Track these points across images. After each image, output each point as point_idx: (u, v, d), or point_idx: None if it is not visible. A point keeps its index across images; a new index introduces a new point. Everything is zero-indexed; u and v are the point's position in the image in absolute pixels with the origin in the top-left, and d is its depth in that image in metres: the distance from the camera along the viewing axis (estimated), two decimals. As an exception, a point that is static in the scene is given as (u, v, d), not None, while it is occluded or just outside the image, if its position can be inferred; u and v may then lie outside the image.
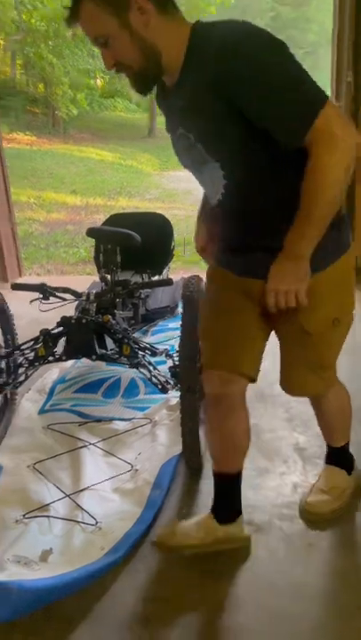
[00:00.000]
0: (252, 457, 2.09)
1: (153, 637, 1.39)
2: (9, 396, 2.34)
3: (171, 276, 2.99)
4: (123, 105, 22.86)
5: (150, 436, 2.22)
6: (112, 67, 1.25)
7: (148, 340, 2.88)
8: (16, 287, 2.31)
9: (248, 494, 1.89)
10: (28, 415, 2.38)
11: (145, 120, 19.75)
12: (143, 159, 14.69)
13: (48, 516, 1.75)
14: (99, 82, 19.22)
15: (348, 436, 1.80)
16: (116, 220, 3.20)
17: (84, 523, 1.72)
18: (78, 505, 1.80)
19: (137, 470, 2.00)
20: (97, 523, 1.72)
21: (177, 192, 10.37)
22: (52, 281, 2.36)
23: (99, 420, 2.33)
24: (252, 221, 1.37)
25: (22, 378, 2.27)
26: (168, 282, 2.30)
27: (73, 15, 1.20)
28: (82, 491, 1.87)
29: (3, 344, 2.28)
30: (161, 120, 20.27)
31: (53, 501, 1.81)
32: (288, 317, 1.40)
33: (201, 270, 4.86)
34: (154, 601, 1.48)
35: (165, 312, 3.01)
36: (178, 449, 2.03)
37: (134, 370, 2.41)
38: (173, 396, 2.39)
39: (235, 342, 1.48)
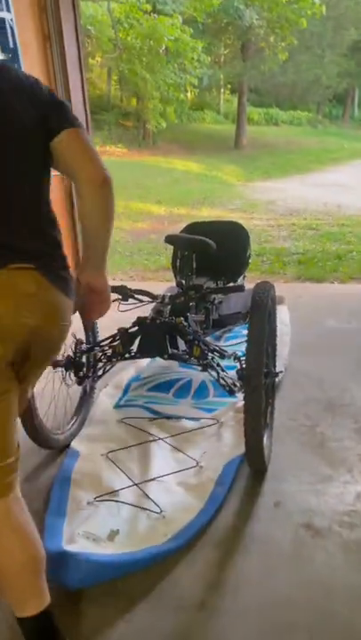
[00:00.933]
0: (317, 464, 2.12)
1: (207, 621, 1.46)
2: (88, 389, 2.51)
3: (246, 285, 3.06)
4: (211, 117, 23.24)
5: (216, 437, 2.30)
6: None
7: (222, 345, 2.96)
8: (98, 288, 2.48)
9: (310, 499, 1.92)
10: (105, 408, 2.55)
11: (232, 132, 19.94)
12: (228, 170, 14.83)
13: (117, 501, 1.88)
14: (188, 95, 19.70)
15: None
16: (194, 227, 3.31)
17: (149, 510, 1.84)
18: (145, 494, 1.92)
19: (202, 467, 2.09)
20: (161, 511, 1.83)
21: (259, 202, 10.38)
22: (133, 285, 2.52)
23: (169, 418, 2.44)
24: None
25: (100, 372, 2.44)
26: (240, 288, 2.37)
27: None
28: (149, 481, 1.99)
29: (84, 340, 2.45)
30: (251, 129, 20.41)
31: (122, 488, 1.94)
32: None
33: (278, 279, 4.90)
34: (210, 587, 1.56)
35: (237, 318, 3.07)
36: (241, 450, 2.09)
37: (205, 373, 2.51)
38: (241, 400, 2.46)
39: None
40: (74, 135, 1.35)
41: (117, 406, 2.58)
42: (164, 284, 4.46)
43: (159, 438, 2.27)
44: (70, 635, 1.42)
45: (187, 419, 2.44)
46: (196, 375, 2.77)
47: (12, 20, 3.46)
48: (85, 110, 4.31)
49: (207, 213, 9.50)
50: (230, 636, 1.41)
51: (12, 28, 3.45)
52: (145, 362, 2.98)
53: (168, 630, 1.44)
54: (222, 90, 24.46)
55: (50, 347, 1.37)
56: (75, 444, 2.26)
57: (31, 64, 3.76)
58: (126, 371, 2.90)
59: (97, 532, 1.71)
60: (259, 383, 1.84)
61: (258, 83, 21.94)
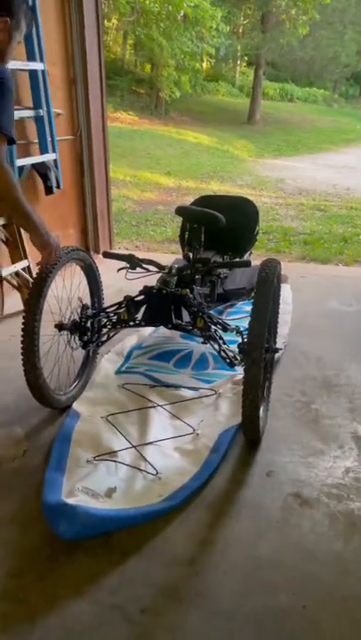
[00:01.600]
0: (309, 439, 2.19)
1: (196, 575, 1.54)
2: (91, 354, 2.56)
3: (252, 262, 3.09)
4: (225, 89, 22.80)
5: (213, 407, 2.36)
6: None
7: (224, 319, 3.01)
8: (107, 255, 2.52)
9: (300, 470, 2.00)
10: (106, 373, 2.60)
11: (246, 105, 19.60)
12: (239, 145, 14.65)
13: (115, 461, 1.95)
14: (204, 65, 19.28)
15: None
16: (204, 200, 3.33)
17: (145, 472, 1.91)
18: (142, 456, 1.99)
19: (198, 434, 2.16)
20: (157, 473, 1.90)
21: (269, 180, 10.30)
22: (138, 256, 2.55)
23: (168, 386, 2.50)
24: None
25: (104, 338, 2.49)
26: (246, 263, 2.41)
27: None
28: (147, 444, 2.06)
29: (90, 305, 2.50)
30: (265, 104, 20.05)
31: (121, 450, 2.01)
32: None
33: (283, 258, 4.91)
34: (201, 545, 1.64)
35: (241, 294, 3.11)
36: (237, 420, 2.16)
37: (205, 346, 2.56)
38: (239, 373, 2.51)
39: None
40: None
41: (118, 372, 2.63)
42: (169, 256, 4.48)
43: (158, 405, 2.34)
44: (64, 584, 1.50)
45: (185, 388, 2.50)
46: (197, 347, 2.83)
47: (32, -23, 3.38)
48: (100, 73, 4.27)
49: (216, 188, 9.44)
50: (217, 591, 1.49)
51: (31, -12, 3.39)
52: (147, 331, 3.03)
53: (159, 582, 1.52)
54: (239, 62, 23.93)
55: None
56: (76, 405, 2.32)
57: (48, 25, 3.71)
58: (129, 338, 2.95)
59: (95, 488, 1.78)
60: (259, 357, 1.89)
61: (276, 56, 21.46)
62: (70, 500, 1.66)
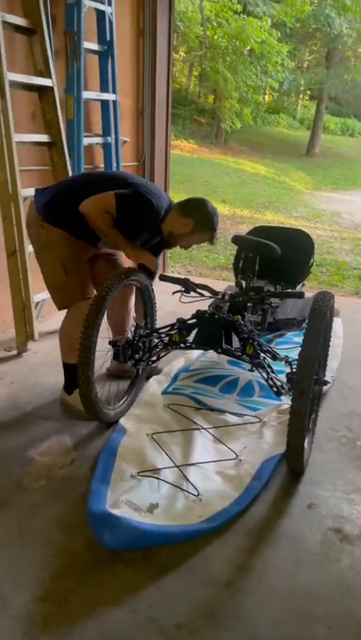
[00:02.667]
0: (353, 475, 2.17)
1: (231, 599, 1.55)
2: (140, 372, 2.64)
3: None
4: (286, 121, 23.03)
5: (257, 434, 2.37)
6: None
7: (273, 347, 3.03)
8: (163, 278, 2.61)
9: (342, 505, 1.98)
10: (153, 392, 2.67)
11: (306, 138, 19.71)
12: (296, 177, 14.72)
13: (158, 478, 2.00)
14: (267, 98, 19.60)
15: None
16: (260, 231, 3.39)
17: (187, 492, 1.95)
18: (185, 476, 2.02)
19: (240, 460, 2.18)
20: (198, 494, 1.93)
21: (325, 213, 10.28)
22: (193, 280, 2.63)
23: (213, 410, 2.54)
24: None
25: (155, 358, 2.56)
26: (299, 294, 2.44)
27: None
28: (190, 465, 2.09)
29: (143, 325, 2.58)
30: (325, 138, 20.09)
31: (164, 468, 2.06)
32: None
33: (336, 292, 4.88)
34: (239, 569, 1.66)
35: (292, 324, 3.13)
36: (281, 449, 2.17)
37: (252, 373, 2.58)
38: (285, 403, 2.52)
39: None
40: None
41: (165, 392, 2.69)
42: (220, 283, 4.56)
43: (203, 428, 2.37)
44: (104, 592, 1.55)
45: (230, 413, 2.53)
46: (244, 374, 2.86)
47: (111, 13, 3.62)
48: (167, 105, 4.46)
49: (271, 218, 9.50)
50: (253, 616, 1.50)
51: (110, 22, 3.62)
52: (195, 355, 3.09)
53: (195, 601, 1.54)
54: (301, 95, 24.17)
55: None
56: (123, 421, 2.39)
57: (124, 56, 3.93)
58: (177, 361, 3.02)
59: (138, 502, 1.84)
60: (308, 387, 1.91)
61: (339, 92, 21.54)
62: (115, 511, 1.72)
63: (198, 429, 2.36)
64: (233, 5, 13.69)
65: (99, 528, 1.69)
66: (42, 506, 1.90)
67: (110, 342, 2.40)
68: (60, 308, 2.51)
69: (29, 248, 3.06)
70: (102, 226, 2.32)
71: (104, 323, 2.27)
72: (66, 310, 2.48)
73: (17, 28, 3.01)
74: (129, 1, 3.96)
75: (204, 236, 2.47)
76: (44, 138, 3.26)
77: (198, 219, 2.41)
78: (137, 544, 1.69)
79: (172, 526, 1.75)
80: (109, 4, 3.58)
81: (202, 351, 3.02)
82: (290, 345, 3.15)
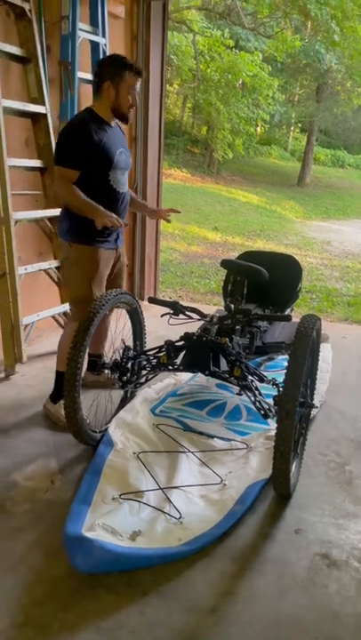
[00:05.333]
0: (341, 500, 2.15)
1: (216, 625, 1.52)
2: (129, 394, 2.63)
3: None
4: (278, 153, 23.51)
5: (243, 459, 2.35)
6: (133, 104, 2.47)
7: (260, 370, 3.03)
8: (152, 301, 2.63)
9: (330, 530, 1.96)
10: (145, 399, 2.69)
11: (296, 169, 20.11)
12: (288, 206, 14.96)
13: (140, 502, 1.97)
14: (258, 129, 20.05)
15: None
16: (249, 256, 3.43)
17: (169, 514, 1.92)
18: (168, 498, 2.00)
19: (225, 485, 2.15)
20: (180, 517, 1.91)
21: (315, 241, 10.43)
22: (182, 304, 2.66)
23: (200, 433, 2.53)
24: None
25: (143, 380, 2.56)
26: (286, 317, 2.46)
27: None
28: (173, 488, 2.07)
29: (132, 347, 2.59)
30: (316, 169, 20.52)
31: (147, 490, 2.04)
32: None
33: (326, 318, 4.92)
34: (223, 595, 1.62)
35: (280, 347, 3.14)
36: (266, 475, 2.16)
37: (240, 398, 2.58)
38: (272, 428, 2.51)
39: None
40: None
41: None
42: (211, 307, 4.58)
43: (189, 451, 2.35)
44: (86, 618, 1.51)
45: (218, 437, 2.51)
46: (232, 398, 2.85)
47: (105, 45, 3.72)
48: (160, 134, 4.55)
49: (262, 245, 9.62)
50: (236, 644, 1.47)
51: (104, 53, 3.72)
52: (184, 378, 3.08)
53: (178, 628, 1.50)
54: (292, 127, 24.75)
55: None
56: (112, 430, 2.38)
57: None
58: (166, 382, 3.01)
59: (115, 526, 1.80)
60: (293, 409, 1.90)
61: (329, 125, 22.09)
62: (89, 534, 1.69)
63: (185, 452, 2.34)
64: (225, 40, 14.11)
65: (73, 551, 1.66)
66: (24, 530, 1.86)
67: (90, 354, 2.41)
68: (74, 320, 2.56)
69: (20, 270, 3.08)
70: (65, 192, 2.41)
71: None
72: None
73: (12, 56, 3.09)
74: (123, 34, 4.08)
75: (129, 79, 2.43)
76: (36, 163, 3.32)
77: (109, 74, 2.41)
78: (112, 567, 1.66)
79: (149, 549, 1.73)
80: (103, 36, 3.68)
81: (191, 374, 3.01)
82: (279, 369, 3.16)
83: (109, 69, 2.41)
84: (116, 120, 2.55)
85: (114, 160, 2.46)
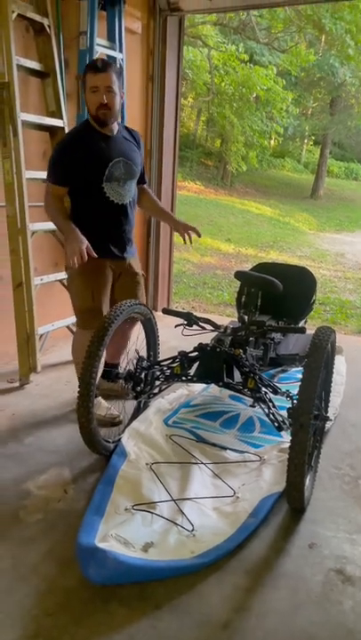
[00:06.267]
0: (356, 515, 2.12)
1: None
2: (142, 405, 2.63)
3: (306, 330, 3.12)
4: (291, 165, 23.57)
5: (257, 472, 2.33)
6: (103, 103, 2.38)
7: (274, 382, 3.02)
8: (166, 312, 2.64)
9: (344, 546, 1.93)
10: (158, 409, 2.69)
11: (310, 181, 20.12)
12: (301, 218, 14.96)
13: (152, 513, 1.96)
14: (272, 142, 20.14)
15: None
16: (263, 267, 3.43)
17: (181, 526, 1.90)
18: (181, 510, 1.99)
19: (238, 497, 2.13)
20: (193, 530, 1.89)
21: (329, 253, 10.40)
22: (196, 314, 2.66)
23: (213, 445, 2.51)
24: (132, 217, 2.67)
25: (156, 390, 2.56)
26: (300, 330, 2.45)
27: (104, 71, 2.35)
28: (186, 499, 2.06)
29: (145, 358, 2.59)
30: (329, 182, 20.52)
31: (160, 501, 2.03)
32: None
33: (339, 330, 4.89)
34: (236, 610, 1.60)
35: (294, 359, 3.12)
36: (280, 488, 2.14)
37: (253, 410, 2.56)
38: (286, 440, 2.49)
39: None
40: None
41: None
42: (224, 318, 4.58)
43: (202, 462, 2.34)
44: (98, 632, 1.50)
45: (231, 449, 2.50)
46: (245, 410, 2.84)
47: (122, 59, 3.78)
48: (175, 146, 4.59)
49: (275, 257, 9.62)
50: (249, 660, 1.45)
51: (121, 67, 3.77)
52: (197, 389, 3.08)
53: (190, 642, 1.49)
54: (306, 140, 24.82)
55: None
56: (125, 440, 2.38)
57: (133, 100, 4.08)
58: (180, 392, 3.01)
59: (128, 537, 1.79)
60: (307, 421, 1.89)
61: (342, 137, 22.12)
62: (102, 545, 1.69)
63: (197, 464, 2.33)
64: (240, 55, 14.24)
65: (85, 562, 1.65)
66: (37, 540, 1.86)
67: (106, 363, 2.42)
68: (80, 328, 2.67)
69: (35, 280, 3.11)
70: (46, 209, 2.50)
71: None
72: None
73: (31, 71, 3.15)
74: (139, 48, 4.14)
75: (89, 80, 2.38)
76: (53, 175, 3.35)
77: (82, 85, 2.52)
78: (124, 579, 1.65)
79: (162, 561, 1.71)
80: (120, 51, 3.74)
81: (204, 385, 3.01)
82: (293, 381, 3.14)
83: (84, 69, 2.46)
84: (126, 129, 2.63)
85: (105, 172, 2.45)
